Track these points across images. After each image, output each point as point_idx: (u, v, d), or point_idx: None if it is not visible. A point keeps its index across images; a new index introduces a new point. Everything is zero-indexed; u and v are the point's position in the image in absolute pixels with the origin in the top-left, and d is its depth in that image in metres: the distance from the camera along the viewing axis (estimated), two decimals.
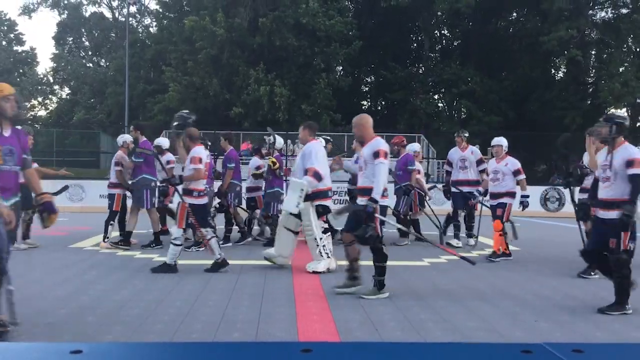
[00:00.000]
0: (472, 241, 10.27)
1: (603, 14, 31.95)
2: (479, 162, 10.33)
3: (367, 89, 37.53)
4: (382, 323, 5.09)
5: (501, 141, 9.24)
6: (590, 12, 31.16)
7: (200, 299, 5.90)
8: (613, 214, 5.59)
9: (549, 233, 13.73)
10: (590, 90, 31.75)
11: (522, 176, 9.05)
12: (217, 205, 10.09)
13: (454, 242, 10.17)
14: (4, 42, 44.95)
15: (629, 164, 5.63)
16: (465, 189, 10.19)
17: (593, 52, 32.26)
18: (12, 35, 45.25)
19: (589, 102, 30.99)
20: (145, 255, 8.74)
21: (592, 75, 32.41)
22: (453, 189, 10.44)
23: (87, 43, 43.34)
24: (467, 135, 10.94)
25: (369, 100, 37.71)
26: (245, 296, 6.09)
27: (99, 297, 5.98)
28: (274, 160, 10.02)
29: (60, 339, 4.52)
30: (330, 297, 6.09)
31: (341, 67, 32.84)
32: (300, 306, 5.71)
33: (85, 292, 6.19)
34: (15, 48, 44.86)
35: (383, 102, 36.99)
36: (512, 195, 8.96)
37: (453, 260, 8.19)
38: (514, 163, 9.05)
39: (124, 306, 5.57)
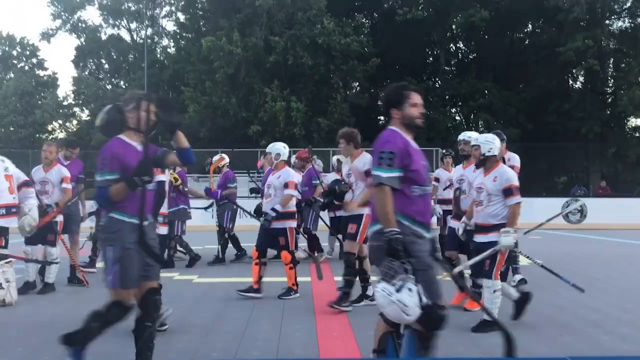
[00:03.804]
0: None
1: (620, 23, 31.73)
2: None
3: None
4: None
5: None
6: (607, 22, 30.95)
7: (220, 316, 5.89)
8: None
9: (569, 246, 13.55)
10: (610, 100, 31.45)
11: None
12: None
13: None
14: (26, 67, 45.67)
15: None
16: None
17: (610, 62, 31.99)
18: (34, 60, 45.96)
19: (608, 111, 30.69)
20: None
21: (610, 85, 32.10)
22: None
23: (106, 65, 43.85)
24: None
25: (386, 115, 37.64)
26: (265, 313, 6.08)
27: None
28: (176, 176, 9.65)
29: None
30: (350, 313, 6.05)
31: (357, 84, 32.87)
32: (321, 323, 5.67)
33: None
34: (37, 72, 45.55)
35: None
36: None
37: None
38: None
39: None
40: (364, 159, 6.26)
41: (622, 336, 5.15)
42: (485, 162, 5.65)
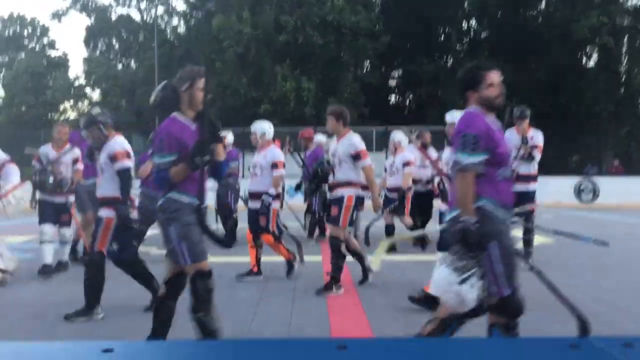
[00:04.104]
0: None
1: (635, 0, 31.22)
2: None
3: (394, 83, 37.26)
4: (415, 318, 5.00)
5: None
6: None
7: (231, 296, 5.90)
8: None
9: (582, 225, 13.46)
10: (624, 78, 31.07)
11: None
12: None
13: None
14: (37, 47, 45.75)
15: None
16: None
17: (625, 40, 31.55)
18: (45, 41, 46.03)
19: (622, 90, 30.34)
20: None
21: (624, 63, 31.69)
22: None
23: (117, 46, 43.81)
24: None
25: (397, 94, 37.46)
26: (275, 292, 6.08)
27: (133, 296, 6.00)
28: None
29: (93, 338, 4.55)
30: (361, 292, 6.05)
31: (369, 62, 32.66)
32: (332, 301, 5.67)
33: (122, 290, 6.23)
34: (48, 52, 45.62)
35: (411, 96, 36.72)
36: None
37: None
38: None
39: None
40: (349, 140, 6.14)
41: (637, 315, 5.12)
42: None
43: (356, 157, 6.08)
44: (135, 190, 9.14)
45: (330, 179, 6.29)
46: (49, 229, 7.29)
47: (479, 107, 3.49)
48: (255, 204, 6.91)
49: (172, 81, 3.95)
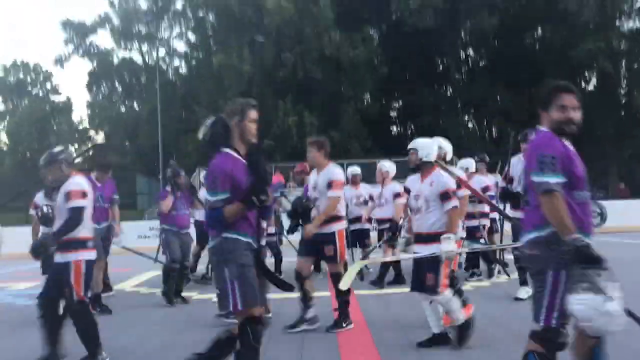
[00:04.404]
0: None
1: (631, 24, 31.51)
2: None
3: (395, 114, 37.48)
4: (431, 356, 4.89)
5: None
6: (617, 23, 30.75)
7: None
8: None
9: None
10: (623, 101, 31.18)
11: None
12: None
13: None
14: (41, 93, 46.28)
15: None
16: None
17: (623, 63, 31.75)
18: (48, 86, 46.60)
19: (623, 113, 30.42)
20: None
21: (623, 86, 31.84)
22: None
23: (119, 88, 44.32)
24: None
25: (398, 125, 37.64)
26: (284, 332, 5.95)
27: (136, 340, 5.95)
28: None
29: None
30: (373, 329, 5.95)
31: (369, 94, 32.91)
32: (343, 340, 5.58)
33: (124, 333, 6.19)
34: (51, 98, 46.13)
35: (412, 127, 36.89)
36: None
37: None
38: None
39: (165, 347, 5.54)
40: (330, 172, 5.97)
41: None
42: (422, 168, 5.37)
43: (329, 185, 5.89)
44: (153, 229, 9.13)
45: (314, 212, 6.00)
46: None
47: (550, 130, 3.30)
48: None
49: (221, 116, 3.80)
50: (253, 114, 3.73)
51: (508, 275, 8.51)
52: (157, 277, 9.55)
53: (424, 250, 5.12)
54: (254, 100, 3.84)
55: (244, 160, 3.68)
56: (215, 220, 3.60)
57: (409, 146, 5.59)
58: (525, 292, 6.96)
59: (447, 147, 6.24)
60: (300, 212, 6.10)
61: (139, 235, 16.22)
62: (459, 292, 5.63)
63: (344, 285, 5.29)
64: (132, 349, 5.57)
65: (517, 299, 6.96)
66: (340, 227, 6.00)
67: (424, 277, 5.07)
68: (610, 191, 25.97)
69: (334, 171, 6.02)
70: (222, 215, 3.54)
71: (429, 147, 5.39)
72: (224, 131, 3.72)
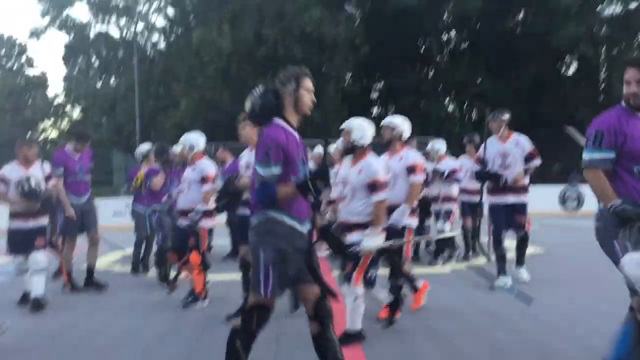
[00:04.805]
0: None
1: (612, 9, 31.58)
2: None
3: (376, 95, 37.33)
4: (424, 356, 4.63)
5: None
6: (598, 8, 30.82)
7: (201, 341, 5.20)
8: None
9: (568, 234, 13.43)
10: (602, 86, 31.40)
11: None
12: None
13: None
14: (15, 66, 45.33)
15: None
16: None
17: (603, 49, 31.91)
18: (23, 59, 45.63)
19: (602, 97, 30.63)
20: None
21: (604, 71, 32.04)
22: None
23: (96, 63, 43.50)
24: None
25: (379, 106, 37.52)
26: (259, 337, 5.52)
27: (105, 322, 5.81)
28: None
29: None
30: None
31: (350, 74, 32.71)
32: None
33: (92, 317, 6.06)
34: (26, 72, 45.22)
35: (394, 108, 36.79)
36: None
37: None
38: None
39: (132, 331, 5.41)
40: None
41: None
42: (354, 151, 4.96)
43: None
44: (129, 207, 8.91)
45: (246, 195, 5.53)
46: (41, 256, 6.49)
47: (625, 104, 3.43)
48: (184, 222, 6.42)
49: (271, 86, 3.59)
50: (308, 82, 3.54)
51: (489, 258, 8.37)
52: (128, 257, 9.23)
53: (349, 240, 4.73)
54: (307, 69, 3.65)
55: (296, 134, 3.48)
56: (265, 196, 3.32)
57: (342, 125, 5.16)
58: (503, 282, 6.88)
59: (403, 126, 5.92)
60: (232, 194, 5.79)
61: (114, 212, 15.97)
62: (409, 279, 5.61)
63: None
64: (104, 332, 5.44)
65: (491, 287, 6.73)
66: None
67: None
68: None
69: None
70: (275, 194, 3.29)
71: (364, 129, 4.95)
72: (276, 101, 3.50)
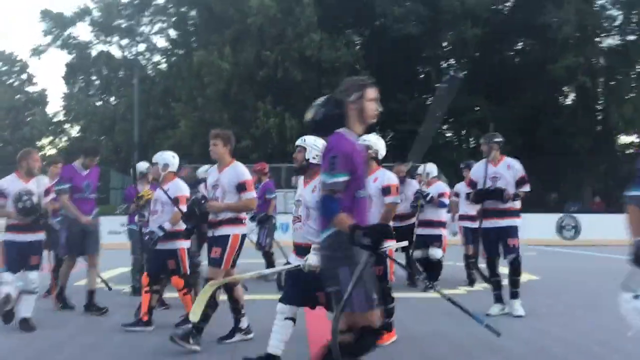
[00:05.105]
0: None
1: (610, 40, 31.89)
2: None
3: (375, 121, 37.40)
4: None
5: None
6: (597, 39, 31.10)
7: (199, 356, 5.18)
8: None
9: (565, 262, 13.38)
10: (600, 117, 31.54)
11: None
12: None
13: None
14: (15, 83, 45.46)
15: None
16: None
17: (601, 80, 32.12)
18: (24, 76, 45.77)
19: (600, 128, 30.77)
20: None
21: (600, 101, 32.23)
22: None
23: (97, 82, 43.64)
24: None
25: (378, 131, 37.60)
26: (251, 345, 5.38)
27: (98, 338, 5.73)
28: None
29: None
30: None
31: None
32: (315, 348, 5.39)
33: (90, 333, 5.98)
34: (27, 89, 45.34)
35: (392, 134, 36.88)
36: None
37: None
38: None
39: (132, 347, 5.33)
40: (238, 172, 5.50)
41: (627, 354, 4.98)
42: (307, 170, 4.77)
43: (241, 187, 5.40)
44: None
45: (212, 215, 5.49)
46: (35, 276, 6.36)
47: None
48: (162, 245, 6.19)
49: (334, 95, 3.48)
50: (373, 92, 3.45)
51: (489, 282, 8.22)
52: (125, 274, 9.21)
53: (300, 261, 4.39)
54: (370, 79, 3.56)
55: (360, 144, 3.38)
56: (328, 210, 3.18)
57: (297, 142, 4.95)
58: (499, 309, 6.81)
59: (378, 144, 5.85)
60: (199, 216, 5.69)
61: (109, 231, 15.89)
62: (388, 312, 5.34)
63: (194, 316, 4.69)
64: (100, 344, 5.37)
65: (488, 314, 6.55)
66: (235, 231, 5.45)
67: (316, 293, 4.30)
68: (585, 204, 26.21)
69: (243, 170, 5.56)
70: (336, 213, 3.15)
71: (319, 148, 4.69)
72: (339, 111, 3.40)
